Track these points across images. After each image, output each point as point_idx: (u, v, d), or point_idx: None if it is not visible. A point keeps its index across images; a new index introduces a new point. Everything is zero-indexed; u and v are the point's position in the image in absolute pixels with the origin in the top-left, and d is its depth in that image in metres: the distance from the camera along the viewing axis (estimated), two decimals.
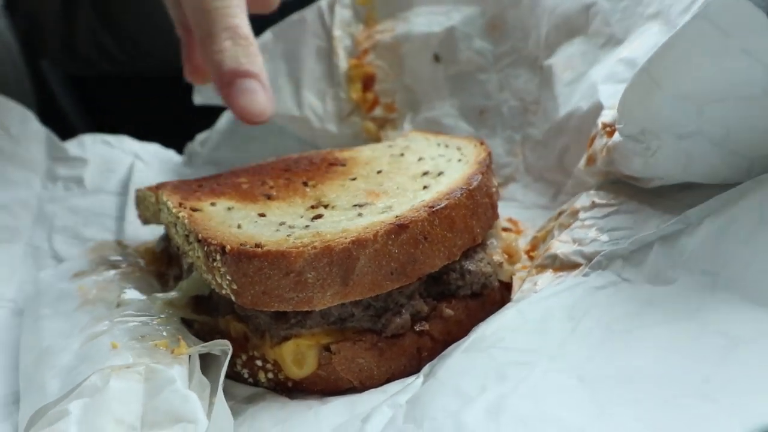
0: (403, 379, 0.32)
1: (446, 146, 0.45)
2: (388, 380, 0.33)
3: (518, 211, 0.49)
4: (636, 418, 0.21)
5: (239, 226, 0.34)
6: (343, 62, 0.67)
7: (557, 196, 0.49)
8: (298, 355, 0.32)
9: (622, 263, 0.31)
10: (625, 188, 0.37)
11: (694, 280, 0.26)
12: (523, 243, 0.43)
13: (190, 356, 0.31)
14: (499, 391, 0.25)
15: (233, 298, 0.32)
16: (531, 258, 0.41)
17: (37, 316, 0.40)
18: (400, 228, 0.31)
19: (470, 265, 0.35)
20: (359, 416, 0.28)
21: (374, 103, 0.66)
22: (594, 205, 0.38)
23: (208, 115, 0.76)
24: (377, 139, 0.65)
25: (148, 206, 0.48)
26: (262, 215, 0.36)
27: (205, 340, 0.35)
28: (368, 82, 0.67)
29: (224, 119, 0.75)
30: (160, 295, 0.37)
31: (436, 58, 0.62)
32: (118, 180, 0.67)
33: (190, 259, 0.36)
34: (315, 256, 0.30)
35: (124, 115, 0.79)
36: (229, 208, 0.37)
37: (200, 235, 0.33)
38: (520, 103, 0.57)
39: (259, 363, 0.33)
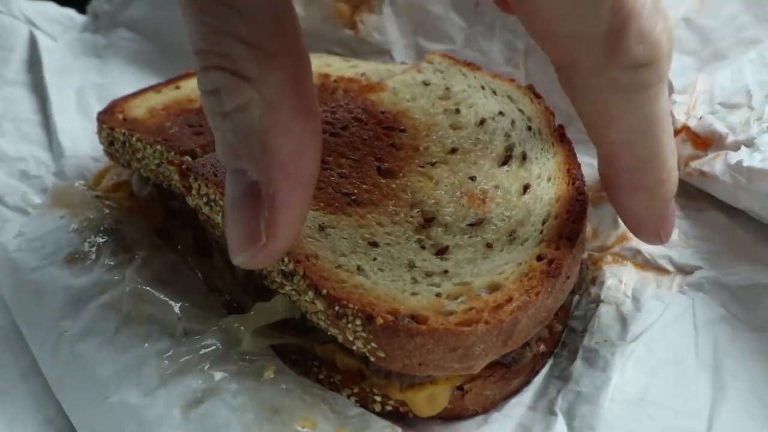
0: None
1: (494, 93, 0.41)
2: (506, 399, 0.34)
3: None
4: None
5: (359, 269, 0.30)
6: None
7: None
8: (431, 396, 0.31)
9: (730, 297, 0.33)
10: (699, 191, 0.38)
11: None
12: None
13: None
14: None
15: (372, 358, 0.29)
16: (594, 236, 0.41)
17: (60, 334, 0.33)
18: (554, 278, 0.30)
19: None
20: None
21: None
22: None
23: None
24: (351, 25, 0.56)
25: (125, 152, 0.40)
26: (373, 245, 0.31)
27: (293, 361, 0.33)
28: None
29: None
30: (234, 319, 0.33)
31: None
32: (20, 62, 0.52)
33: (275, 286, 0.31)
34: (487, 332, 0.28)
35: None
36: (321, 227, 0.32)
37: (325, 291, 0.28)
38: None
39: (378, 398, 0.32)
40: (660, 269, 0.37)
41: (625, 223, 0.32)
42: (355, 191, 0.34)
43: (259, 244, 0.24)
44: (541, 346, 0.34)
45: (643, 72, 0.25)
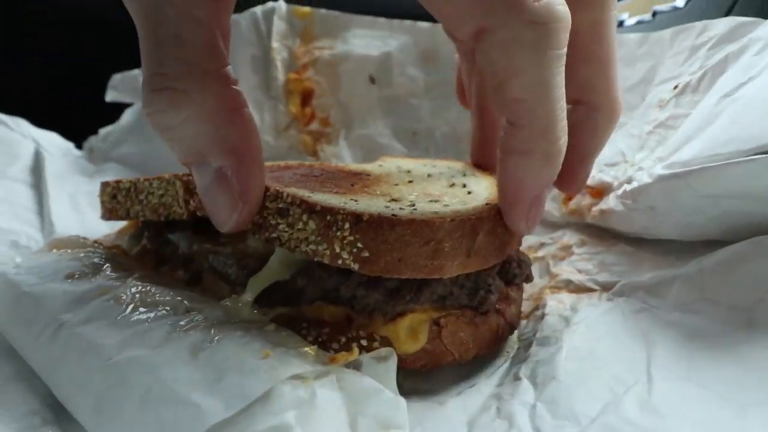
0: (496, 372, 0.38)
1: (434, 166, 0.50)
2: (476, 355, 0.37)
3: None
4: None
5: (345, 204, 0.34)
6: (281, 75, 0.69)
7: None
8: (411, 330, 0.35)
9: (645, 293, 0.40)
10: (606, 232, 0.48)
11: (721, 311, 0.36)
12: None
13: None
14: (636, 391, 0.32)
15: (356, 267, 0.32)
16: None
17: (60, 323, 0.35)
18: (500, 213, 0.35)
19: (522, 256, 0.41)
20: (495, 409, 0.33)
21: (311, 118, 0.69)
22: (584, 243, 0.48)
23: (96, 109, 0.70)
24: (313, 153, 0.68)
25: (128, 199, 0.45)
26: (355, 201, 0.36)
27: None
28: (307, 96, 0.69)
29: (128, 115, 0.71)
30: (233, 298, 0.36)
31: (372, 80, 0.66)
32: (25, 167, 0.59)
33: (269, 233, 0.35)
34: (453, 227, 0.33)
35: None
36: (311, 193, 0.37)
37: (319, 206, 0.33)
38: (453, 131, 0.63)
39: (363, 343, 0.35)
40: (589, 289, 0.44)
41: (500, 194, 0.34)
42: (338, 190, 0.40)
43: (238, 210, 0.32)
44: (503, 306, 0.39)
45: (540, 30, 0.28)
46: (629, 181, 0.44)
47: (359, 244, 0.32)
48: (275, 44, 0.69)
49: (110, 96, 0.67)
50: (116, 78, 0.67)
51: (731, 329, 0.35)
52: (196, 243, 0.42)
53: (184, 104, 0.30)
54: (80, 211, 0.57)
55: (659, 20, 0.57)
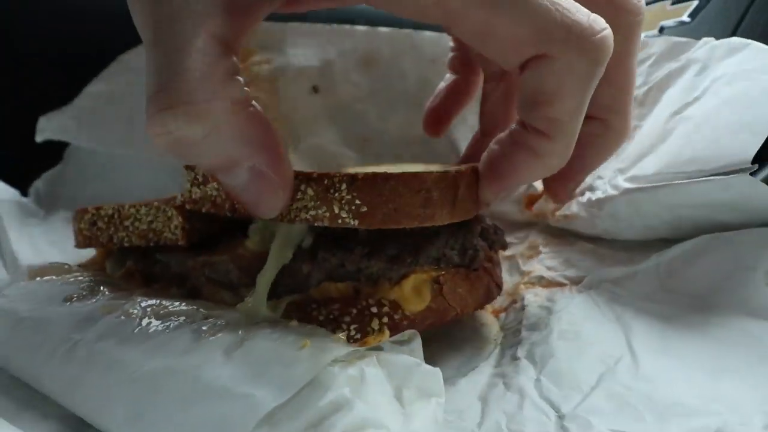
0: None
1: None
2: (474, 309, 0.42)
3: None
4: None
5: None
6: None
7: None
8: (416, 289, 0.38)
9: (612, 285, 0.45)
10: (567, 231, 0.53)
11: (681, 299, 0.41)
12: None
13: None
14: (625, 363, 0.36)
15: (356, 223, 0.35)
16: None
17: (74, 343, 0.35)
18: (476, 173, 0.39)
19: (497, 224, 0.46)
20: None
21: None
22: (548, 242, 0.53)
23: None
24: None
25: (111, 225, 0.45)
26: None
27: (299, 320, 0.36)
28: None
29: (70, 155, 0.68)
30: (246, 301, 0.37)
31: (315, 89, 0.66)
32: None
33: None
34: (438, 178, 0.36)
35: None
36: None
37: (315, 174, 0.36)
38: (404, 135, 0.64)
39: (374, 310, 0.37)
40: (560, 284, 0.48)
41: (489, 167, 0.37)
42: None
43: (280, 197, 0.33)
44: (488, 264, 0.43)
45: (595, 63, 0.30)
46: (591, 188, 0.50)
47: (357, 201, 0.35)
48: None
49: (40, 137, 0.65)
50: (42, 121, 0.65)
51: (693, 312, 0.40)
52: (190, 259, 0.43)
53: (205, 116, 0.28)
54: (39, 249, 0.56)
55: (667, 35, 0.58)
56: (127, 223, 0.44)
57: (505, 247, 0.47)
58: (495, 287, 0.44)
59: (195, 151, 0.30)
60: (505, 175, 0.37)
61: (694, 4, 0.57)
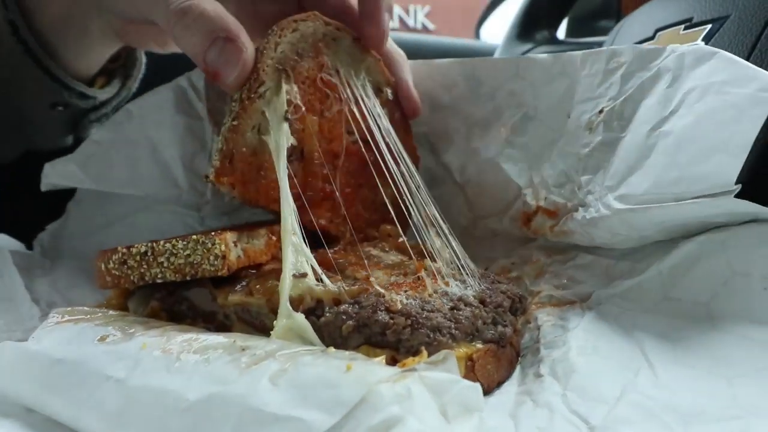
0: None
1: None
2: (498, 384, 0.42)
3: None
4: None
5: None
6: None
7: None
8: None
9: (620, 299, 0.47)
10: (569, 246, 0.55)
11: (685, 307, 0.44)
12: None
13: None
14: (644, 374, 0.38)
15: None
16: None
17: (116, 380, 0.36)
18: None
19: (521, 293, 0.48)
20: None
21: None
22: (552, 258, 0.55)
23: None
24: None
25: (143, 263, 0.46)
26: None
27: None
28: None
29: (73, 206, 0.69)
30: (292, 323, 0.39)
31: None
32: None
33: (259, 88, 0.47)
34: None
35: None
36: None
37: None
38: None
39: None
40: (570, 302, 0.50)
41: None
42: None
43: (242, 55, 0.45)
44: (514, 338, 0.44)
45: None
46: (583, 204, 0.52)
47: None
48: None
49: (45, 185, 0.65)
50: (47, 167, 0.66)
51: (698, 320, 0.42)
52: (220, 297, 0.44)
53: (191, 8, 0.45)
54: (53, 296, 0.57)
55: None
56: (162, 259, 0.45)
57: (525, 312, 0.49)
58: (515, 357, 0.45)
59: (187, 31, 0.45)
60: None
61: (707, 28, 0.57)
